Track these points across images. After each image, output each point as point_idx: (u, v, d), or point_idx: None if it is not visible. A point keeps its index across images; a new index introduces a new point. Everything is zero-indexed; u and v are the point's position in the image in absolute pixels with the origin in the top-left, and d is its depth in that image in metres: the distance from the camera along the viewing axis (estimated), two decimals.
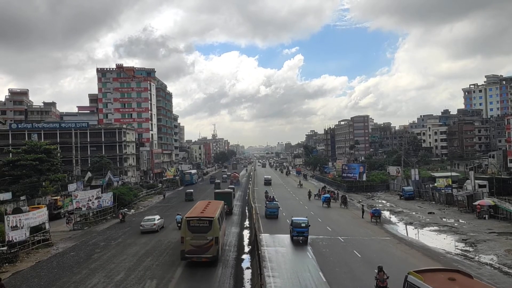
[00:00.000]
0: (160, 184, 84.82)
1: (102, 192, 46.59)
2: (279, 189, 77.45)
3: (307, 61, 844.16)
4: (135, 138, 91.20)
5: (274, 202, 44.93)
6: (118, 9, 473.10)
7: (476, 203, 42.18)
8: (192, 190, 63.60)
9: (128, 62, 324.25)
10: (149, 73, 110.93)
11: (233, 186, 70.62)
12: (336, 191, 65.24)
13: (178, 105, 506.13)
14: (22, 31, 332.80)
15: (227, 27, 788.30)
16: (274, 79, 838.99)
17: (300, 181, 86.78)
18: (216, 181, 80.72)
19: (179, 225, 36.53)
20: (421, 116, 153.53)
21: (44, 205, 43.48)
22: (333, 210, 50.30)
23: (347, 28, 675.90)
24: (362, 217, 43.67)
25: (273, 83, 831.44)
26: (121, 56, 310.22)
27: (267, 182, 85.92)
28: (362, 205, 48.66)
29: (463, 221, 40.16)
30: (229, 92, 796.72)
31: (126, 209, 50.19)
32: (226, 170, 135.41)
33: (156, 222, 37.79)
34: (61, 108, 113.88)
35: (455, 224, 39.14)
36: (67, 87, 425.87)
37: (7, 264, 26.63)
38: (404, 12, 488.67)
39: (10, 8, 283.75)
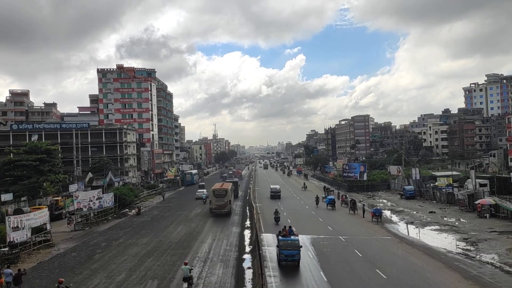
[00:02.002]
0: (161, 184, 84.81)
1: (103, 193, 46.62)
2: (282, 190, 75.30)
3: (309, 61, 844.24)
4: (136, 139, 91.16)
5: (293, 238, 25.90)
6: (121, 10, 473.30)
7: (477, 202, 42.13)
8: (204, 183, 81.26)
9: (131, 63, 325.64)
10: (149, 74, 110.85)
11: (237, 179, 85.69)
12: (346, 194, 60.00)
13: (180, 105, 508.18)
14: (26, 32, 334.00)
15: (230, 28, 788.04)
16: (276, 79, 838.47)
17: (304, 183, 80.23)
18: (224, 175, 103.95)
19: (204, 200, 57.49)
20: (421, 115, 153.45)
21: (45, 206, 43.57)
22: (336, 211, 49.04)
23: (348, 28, 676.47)
24: (363, 217, 43.64)
25: (275, 83, 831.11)
26: (123, 57, 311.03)
27: (275, 195, 61.40)
28: (363, 205, 48.55)
29: (464, 220, 40.13)
30: (231, 92, 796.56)
31: (140, 205, 55.87)
32: (232, 168, 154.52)
33: (205, 192, 59.88)
34: (64, 108, 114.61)
35: (456, 223, 39.11)
36: (69, 88, 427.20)
37: (8, 265, 26.62)
38: (404, 12, 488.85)
39: (15, 10, 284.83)
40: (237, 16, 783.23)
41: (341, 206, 52.27)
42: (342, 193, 63.77)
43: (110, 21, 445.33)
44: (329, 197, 54.35)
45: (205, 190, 62.35)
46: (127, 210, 51.34)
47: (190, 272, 21.30)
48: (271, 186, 66.25)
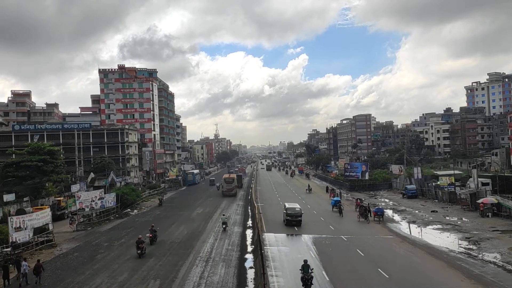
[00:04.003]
0: (163, 185, 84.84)
1: (105, 193, 46.71)
2: (287, 194, 70.02)
3: (312, 60, 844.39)
4: (138, 139, 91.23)
5: None
6: (125, 11, 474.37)
7: (480, 201, 42.04)
8: (214, 178, 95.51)
9: (134, 63, 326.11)
10: (151, 74, 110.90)
11: (241, 174, 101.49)
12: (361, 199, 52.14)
13: (182, 105, 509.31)
14: (30, 33, 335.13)
15: (233, 28, 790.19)
16: (279, 79, 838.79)
17: (309, 185, 71.99)
18: (231, 170, 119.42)
19: (218, 188, 74.37)
20: (423, 114, 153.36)
21: (47, 206, 43.58)
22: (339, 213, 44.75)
23: (351, 28, 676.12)
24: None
25: (277, 83, 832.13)
26: (125, 57, 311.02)
27: (293, 220, 38.24)
28: (366, 204, 48.33)
29: (466, 219, 40.05)
30: (233, 92, 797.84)
31: (162, 197, 63.92)
32: (239, 165, 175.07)
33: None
34: (67, 109, 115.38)
35: (458, 222, 39.04)
36: (72, 89, 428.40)
37: (11, 265, 26.67)
38: (405, 12, 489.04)
39: (19, 10, 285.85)
40: (240, 16, 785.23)
41: (355, 211, 45.75)
42: (357, 196, 57.17)
43: (114, 22, 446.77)
44: (335, 198, 50.67)
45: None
46: (129, 210, 51.44)
47: (226, 219, 38.85)
48: (287, 205, 40.78)
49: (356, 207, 46.86)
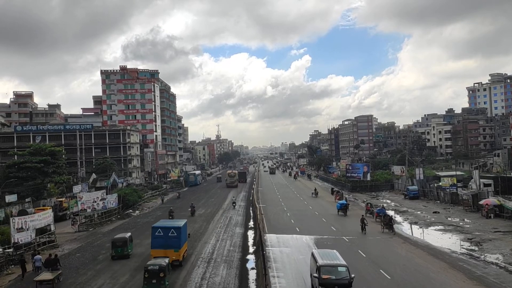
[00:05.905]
0: (165, 185, 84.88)
1: (107, 194, 46.80)
2: (291, 196, 67.47)
3: (314, 61, 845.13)
4: (139, 140, 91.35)
5: None
6: (129, 13, 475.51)
7: (482, 202, 41.93)
8: (220, 176, 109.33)
9: (138, 64, 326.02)
10: (152, 75, 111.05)
11: (245, 171, 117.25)
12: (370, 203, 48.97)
13: (185, 106, 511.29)
14: (34, 35, 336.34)
15: (237, 30, 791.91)
16: (281, 80, 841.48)
17: (315, 189, 66.74)
18: (236, 169, 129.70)
19: (226, 181, 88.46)
20: (425, 115, 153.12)
21: (49, 207, 43.62)
22: (349, 217, 42.70)
23: (353, 29, 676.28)
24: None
25: (280, 84, 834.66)
26: (128, 58, 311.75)
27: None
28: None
29: (468, 220, 39.94)
30: (236, 93, 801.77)
31: (180, 191, 76.32)
32: (245, 164, 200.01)
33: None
34: (71, 110, 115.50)
35: (460, 223, 38.95)
36: (76, 90, 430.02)
37: (13, 266, 26.76)
38: (407, 14, 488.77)
39: (24, 12, 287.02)
40: (243, 18, 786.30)
41: (365, 216, 39.79)
42: (368, 201, 53.21)
43: (118, 23, 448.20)
44: (340, 201, 48.73)
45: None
46: (131, 211, 51.50)
47: (235, 200, 55.61)
48: (320, 260, 19.89)
49: (366, 212, 44.08)
